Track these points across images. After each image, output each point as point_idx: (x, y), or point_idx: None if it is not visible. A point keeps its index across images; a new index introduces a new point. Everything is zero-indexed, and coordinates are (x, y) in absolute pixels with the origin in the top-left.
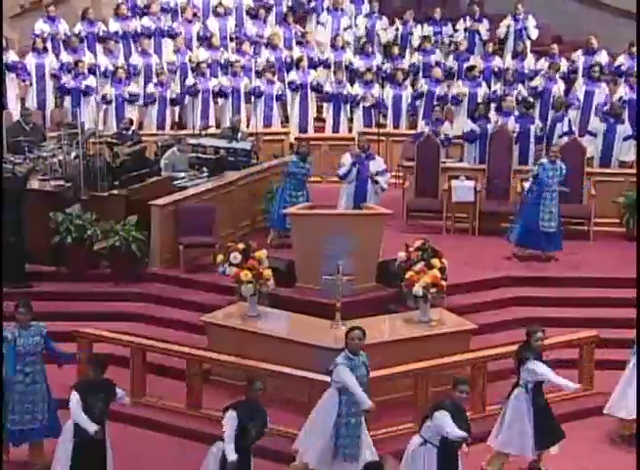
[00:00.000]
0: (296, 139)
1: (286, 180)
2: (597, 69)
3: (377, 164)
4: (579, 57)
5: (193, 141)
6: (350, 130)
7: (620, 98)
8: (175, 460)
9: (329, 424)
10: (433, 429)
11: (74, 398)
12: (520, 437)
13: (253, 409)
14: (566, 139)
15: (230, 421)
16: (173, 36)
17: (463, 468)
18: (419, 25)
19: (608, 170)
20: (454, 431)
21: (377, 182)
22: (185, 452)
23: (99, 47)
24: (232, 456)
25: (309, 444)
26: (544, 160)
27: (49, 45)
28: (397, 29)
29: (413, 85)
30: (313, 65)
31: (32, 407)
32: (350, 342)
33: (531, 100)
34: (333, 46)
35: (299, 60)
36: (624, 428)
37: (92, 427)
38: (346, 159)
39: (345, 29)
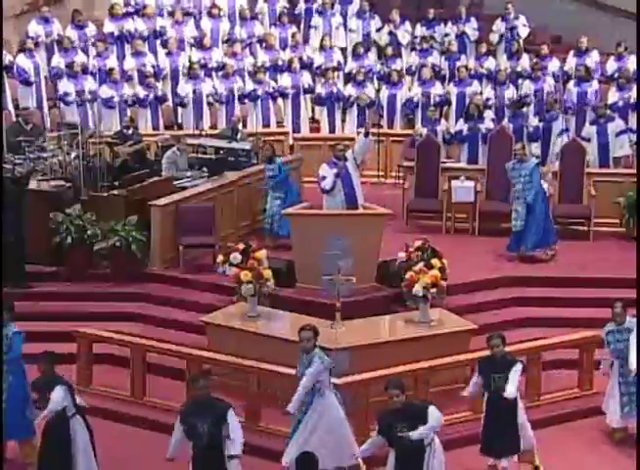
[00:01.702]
0: (295, 139)
1: (267, 188)
2: (582, 68)
3: (351, 160)
4: (571, 58)
5: (193, 141)
6: (343, 131)
7: (614, 103)
8: (175, 460)
9: (346, 423)
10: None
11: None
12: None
13: (201, 407)
14: (565, 138)
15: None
16: (166, 37)
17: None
18: (407, 23)
19: (608, 171)
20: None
21: (368, 134)
22: (184, 452)
23: (91, 49)
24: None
25: (329, 450)
26: (512, 160)
27: (42, 46)
28: (391, 33)
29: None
30: (304, 66)
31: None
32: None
33: (526, 100)
34: (321, 47)
35: (290, 61)
36: (615, 431)
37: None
38: (325, 170)
39: (337, 29)
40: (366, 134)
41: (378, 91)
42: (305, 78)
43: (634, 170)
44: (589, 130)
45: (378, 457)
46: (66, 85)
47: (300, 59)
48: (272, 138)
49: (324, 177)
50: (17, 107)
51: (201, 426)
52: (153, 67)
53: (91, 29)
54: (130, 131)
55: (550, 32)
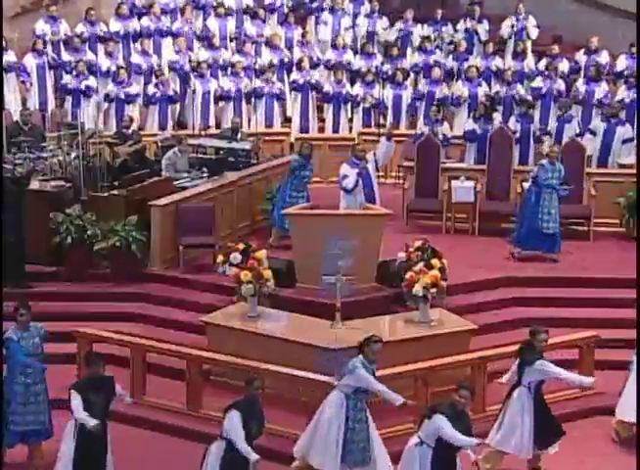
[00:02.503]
0: (297, 139)
1: (288, 179)
2: (593, 68)
3: (372, 161)
4: (581, 56)
5: (193, 141)
6: (350, 130)
7: (622, 100)
8: (175, 460)
9: (335, 426)
10: (429, 430)
11: (76, 396)
12: (518, 436)
13: (253, 408)
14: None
15: (235, 421)
16: (174, 36)
17: None
18: (419, 25)
19: (608, 171)
20: (457, 437)
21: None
22: (185, 452)
23: (100, 47)
24: (254, 456)
25: (315, 446)
26: (544, 161)
27: (49, 46)
28: (401, 30)
29: (415, 85)
30: (314, 65)
31: (35, 408)
32: (370, 353)
33: (531, 100)
34: (334, 46)
35: (300, 60)
36: (623, 429)
37: (91, 421)
38: (347, 170)
39: (347, 29)
40: (388, 138)
41: (383, 88)
42: (314, 77)
43: (634, 170)
44: (598, 125)
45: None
46: (68, 82)
47: (310, 58)
48: (273, 138)
49: (345, 176)
50: (24, 106)
51: (252, 427)
52: (159, 66)
53: (102, 28)
54: (130, 131)
55: (551, 32)
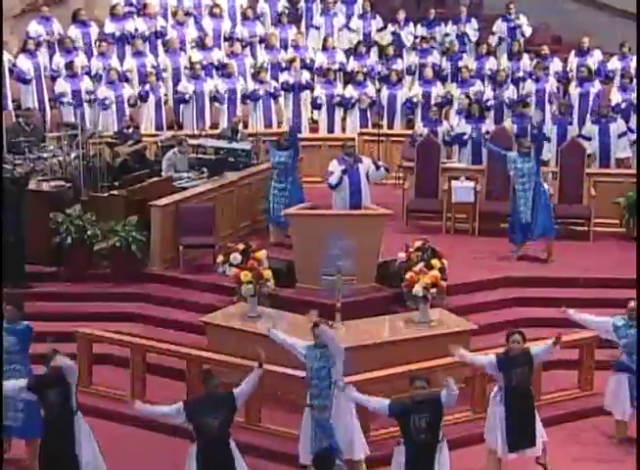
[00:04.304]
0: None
1: (272, 174)
2: (584, 69)
3: (366, 165)
4: (573, 58)
5: (193, 142)
6: (344, 130)
7: (617, 104)
8: (175, 460)
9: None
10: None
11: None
12: (496, 434)
13: (214, 402)
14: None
15: (174, 408)
16: (167, 37)
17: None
18: (411, 25)
19: (608, 171)
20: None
21: (379, 167)
22: (184, 452)
23: (93, 48)
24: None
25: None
26: (513, 153)
27: (44, 47)
28: (394, 33)
29: (410, 86)
30: (305, 66)
31: (13, 404)
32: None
33: (528, 100)
34: (324, 48)
35: (292, 60)
36: (619, 430)
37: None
38: (334, 166)
39: (340, 30)
40: (377, 167)
41: (378, 91)
42: (305, 77)
43: (634, 170)
44: (590, 129)
45: (379, 457)
46: (62, 86)
47: (302, 60)
48: (273, 138)
49: (331, 173)
50: (18, 107)
51: (213, 421)
52: (153, 67)
53: (94, 29)
54: (130, 131)
55: (550, 32)
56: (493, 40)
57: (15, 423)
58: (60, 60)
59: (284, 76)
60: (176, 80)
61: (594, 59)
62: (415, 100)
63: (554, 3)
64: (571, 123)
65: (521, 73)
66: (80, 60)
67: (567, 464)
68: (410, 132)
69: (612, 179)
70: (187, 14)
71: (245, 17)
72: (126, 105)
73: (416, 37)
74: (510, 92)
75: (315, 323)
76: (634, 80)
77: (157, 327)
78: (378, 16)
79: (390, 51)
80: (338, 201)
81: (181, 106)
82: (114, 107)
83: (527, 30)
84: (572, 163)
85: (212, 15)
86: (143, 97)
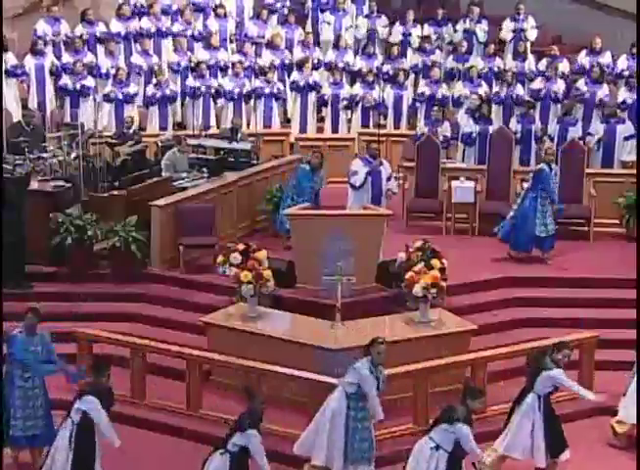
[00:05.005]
0: (297, 139)
1: (290, 184)
2: (597, 70)
3: (387, 170)
4: (584, 58)
5: (193, 142)
6: (349, 131)
7: (624, 102)
8: (175, 460)
9: (338, 423)
10: (448, 437)
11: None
12: (528, 443)
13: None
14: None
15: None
16: (174, 36)
17: None
18: (418, 26)
19: (608, 171)
20: (477, 450)
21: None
22: (185, 452)
23: (100, 48)
24: None
25: (319, 444)
26: (544, 166)
27: (49, 47)
28: (404, 34)
29: (415, 86)
30: (315, 66)
31: (34, 413)
32: (375, 354)
33: (532, 100)
34: (335, 46)
35: (303, 61)
36: (619, 426)
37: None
38: (358, 166)
39: (347, 29)
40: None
41: (383, 91)
42: (313, 78)
43: (634, 170)
44: (598, 128)
45: (384, 457)
46: (67, 83)
47: (312, 60)
48: (273, 138)
49: (355, 172)
50: (24, 107)
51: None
52: (159, 66)
53: (101, 28)
54: (130, 131)
55: (550, 32)
56: (505, 36)
57: (36, 431)
58: (68, 59)
59: (294, 76)
60: (183, 80)
61: (605, 60)
62: (422, 99)
63: (554, 3)
64: (574, 124)
65: (526, 72)
66: (88, 59)
67: (566, 464)
68: (412, 133)
69: (612, 179)
70: (196, 10)
71: (257, 16)
72: (134, 105)
73: (422, 37)
74: (518, 91)
75: None
76: None
77: (157, 327)
78: (383, 16)
79: (395, 51)
80: (356, 201)
81: (186, 100)
82: (113, 104)
83: (532, 34)
84: (573, 163)
85: (217, 15)
86: (150, 97)
